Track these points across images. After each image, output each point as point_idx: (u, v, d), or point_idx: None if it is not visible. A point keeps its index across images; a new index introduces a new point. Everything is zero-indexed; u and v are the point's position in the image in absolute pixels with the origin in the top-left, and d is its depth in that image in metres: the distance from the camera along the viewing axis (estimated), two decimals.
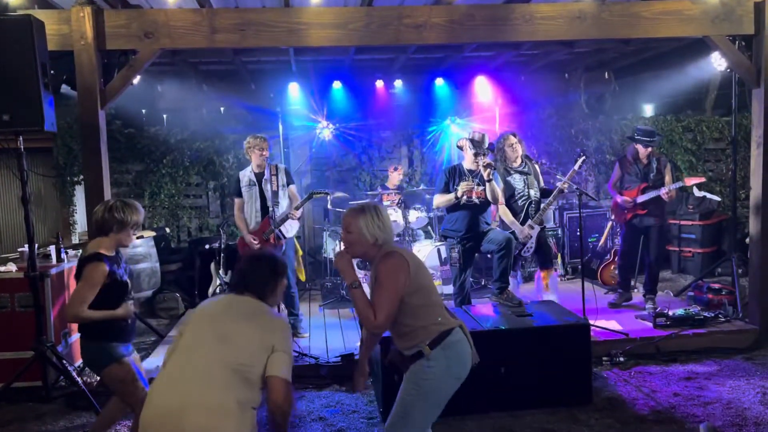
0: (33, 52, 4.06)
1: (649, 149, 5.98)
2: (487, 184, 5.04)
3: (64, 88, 5.72)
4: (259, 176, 5.54)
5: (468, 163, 5.22)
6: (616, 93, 9.47)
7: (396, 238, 7.35)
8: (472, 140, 5.17)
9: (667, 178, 5.97)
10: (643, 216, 6.00)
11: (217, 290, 6.32)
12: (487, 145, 5.17)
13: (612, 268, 6.95)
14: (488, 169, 5.00)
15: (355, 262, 2.88)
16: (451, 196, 5.14)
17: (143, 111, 8.38)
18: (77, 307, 3.14)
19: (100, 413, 3.74)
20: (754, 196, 5.49)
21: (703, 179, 6.42)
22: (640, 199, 5.94)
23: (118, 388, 3.31)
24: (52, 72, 4.35)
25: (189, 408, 2.30)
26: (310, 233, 8.50)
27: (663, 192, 5.81)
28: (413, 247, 7.02)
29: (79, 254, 3.46)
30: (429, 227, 7.70)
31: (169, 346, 2.58)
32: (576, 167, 5.49)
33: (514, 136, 5.54)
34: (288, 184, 5.66)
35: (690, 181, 6.07)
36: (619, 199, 6.03)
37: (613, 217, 6.34)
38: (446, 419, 3.91)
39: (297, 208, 5.55)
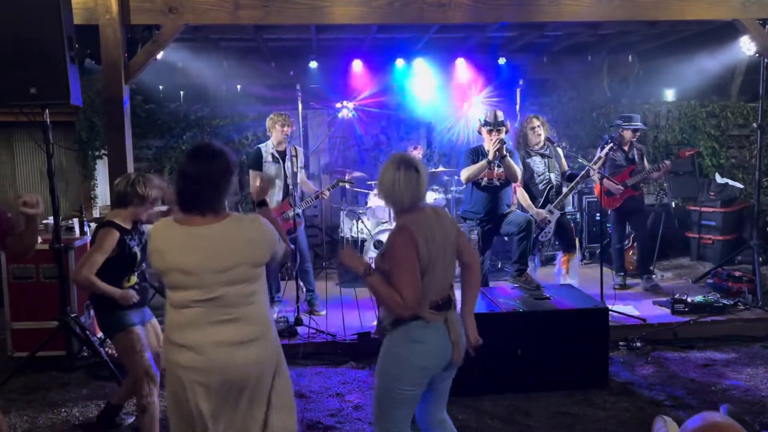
0: (60, 25, 4.08)
1: (637, 133, 6.27)
2: (502, 161, 5.00)
3: (88, 63, 5.76)
4: (282, 154, 5.58)
5: (488, 144, 5.19)
6: (640, 77, 9.33)
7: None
8: (486, 121, 5.13)
9: (645, 164, 6.27)
10: (634, 197, 6.18)
11: None
12: (501, 119, 5.08)
13: (630, 253, 6.90)
14: (499, 145, 4.93)
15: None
16: (483, 162, 5.03)
17: (160, 87, 8.39)
18: (86, 270, 3.23)
19: (122, 382, 3.83)
20: None
21: (696, 150, 6.56)
22: (632, 180, 6.09)
23: (123, 356, 3.42)
24: (77, 46, 4.37)
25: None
26: (328, 212, 8.52)
27: (665, 163, 6.07)
28: None
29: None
30: (446, 209, 7.68)
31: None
32: (602, 154, 5.46)
33: (537, 118, 5.48)
34: (303, 168, 5.78)
35: (685, 153, 6.46)
36: (612, 186, 6.00)
37: (602, 204, 6.35)
38: (462, 399, 3.96)
39: (328, 190, 5.75)
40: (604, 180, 5.57)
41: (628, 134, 6.21)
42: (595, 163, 5.40)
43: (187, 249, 2.35)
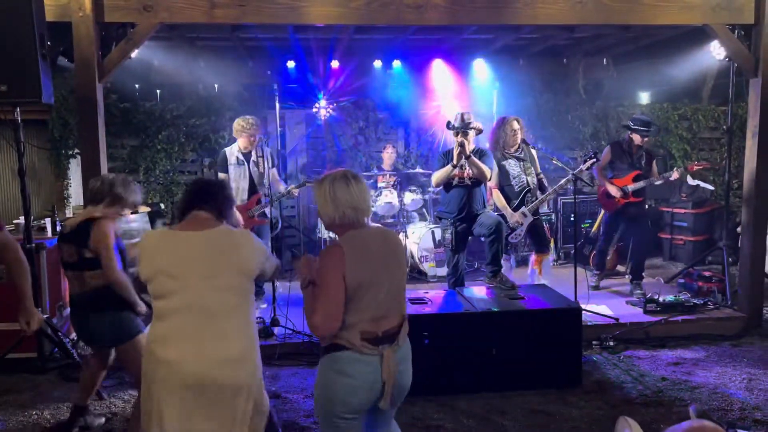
0: (31, 22, 4.02)
1: (646, 139, 6.08)
2: (466, 161, 5.05)
3: (61, 61, 5.67)
4: (247, 156, 5.74)
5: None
6: (614, 79, 9.46)
7: (390, 220, 7.37)
8: (452, 125, 5.19)
9: (654, 169, 6.17)
10: (634, 204, 6.08)
11: None
12: (467, 121, 5.13)
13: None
14: (459, 149, 5.01)
15: None
16: (449, 166, 5.13)
17: (136, 86, 8.31)
18: (119, 273, 3.19)
19: (80, 381, 3.78)
20: (746, 186, 5.53)
21: (708, 165, 6.54)
22: (632, 187, 6.00)
23: (137, 359, 3.33)
24: (49, 43, 4.31)
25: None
26: (305, 213, 8.50)
27: (673, 176, 5.99)
28: (408, 229, 7.05)
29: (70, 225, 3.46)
30: (424, 209, 7.72)
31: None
32: (584, 167, 5.41)
33: (518, 121, 5.47)
34: (271, 167, 5.86)
35: (694, 167, 6.21)
36: (612, 190, 6.05)
37: (602, 206, 6.43)
38: (437, 398, 3.99)
39: (296, 189, 5.76)
40: (606, 183, 5.90)
41: (637, 138, 6.04)
42: (575, 176, 5.40)
43: (176, 252, 2.39)
